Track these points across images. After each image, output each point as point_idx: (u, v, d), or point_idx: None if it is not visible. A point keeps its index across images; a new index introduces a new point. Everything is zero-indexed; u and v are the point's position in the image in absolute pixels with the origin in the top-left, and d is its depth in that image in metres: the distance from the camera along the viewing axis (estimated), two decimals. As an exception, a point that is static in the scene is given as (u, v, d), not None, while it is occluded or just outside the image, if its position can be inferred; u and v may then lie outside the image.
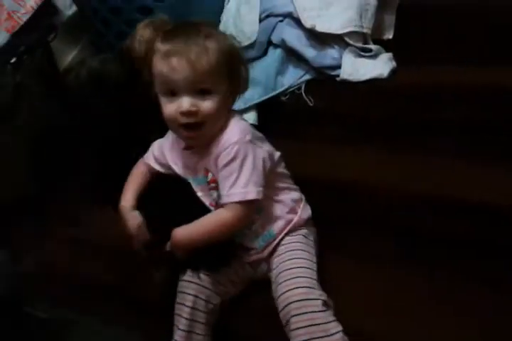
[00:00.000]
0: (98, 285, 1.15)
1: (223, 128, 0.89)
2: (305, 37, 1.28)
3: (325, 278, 0.94)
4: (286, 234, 0.96)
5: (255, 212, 0.92)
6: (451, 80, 1.18)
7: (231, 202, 0.87)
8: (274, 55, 1.32)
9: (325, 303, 0.84)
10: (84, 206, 1.34)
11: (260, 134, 0.95)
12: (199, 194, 0.96)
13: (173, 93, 0.85)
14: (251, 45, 1.33)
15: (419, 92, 1.19)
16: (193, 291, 0.93)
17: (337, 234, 1.08)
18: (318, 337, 0.81)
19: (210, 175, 0.92)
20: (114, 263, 1.16)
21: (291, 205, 0.97)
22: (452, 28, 1.31)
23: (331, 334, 0.81)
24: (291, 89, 1.30)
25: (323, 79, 1.29)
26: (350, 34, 1.26)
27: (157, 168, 1.02)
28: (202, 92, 0.85)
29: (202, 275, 0.95)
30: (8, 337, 1.12)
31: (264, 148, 0.92)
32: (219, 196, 0.91)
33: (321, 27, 1.25)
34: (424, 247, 1.01)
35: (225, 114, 0.89)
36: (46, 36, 1.32)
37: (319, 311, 0.82)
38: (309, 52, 1.27)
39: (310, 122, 1.29)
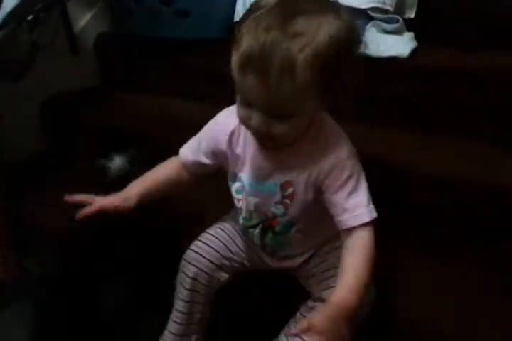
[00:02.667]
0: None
1: (317, 136, 0.76)
2: (326, 10, 1.26)
3: None
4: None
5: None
6: (472, 63, 1.16)
7: (362, 223, 0.74)
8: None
9: None
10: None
11: None
12: (242, 196, 0.84)
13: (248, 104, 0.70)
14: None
15: (439, 74, 1.17)
16: (197, 263, 0.89)
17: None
18: None
19: (290, 190, 0.79)
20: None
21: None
22: (477, 8, 1.29)
23: None
24: (309, 63, 1.28)
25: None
26: (372, 10, 1.24)
27: (204, 160, 0.86)
28: (279, 116, 0.69)
29: (209, 249, 0.90)
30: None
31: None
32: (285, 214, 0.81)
33: (344, 0, 1.22)
34: (443, 229, 1.00)
35: (312, 123, 0.75)
36: (64, -5, 1.30)
37: None
38: (330, 25, 1.25)
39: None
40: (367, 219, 0.74)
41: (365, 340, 0.84)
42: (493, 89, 1.12)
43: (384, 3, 1.24)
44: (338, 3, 0.74)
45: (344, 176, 0.75)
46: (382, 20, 1.24)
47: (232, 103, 0.77)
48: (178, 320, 0.91)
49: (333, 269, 0.82)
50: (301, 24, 0.64)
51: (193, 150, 0.87)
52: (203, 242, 0.92)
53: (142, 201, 0.85)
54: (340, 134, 0.79)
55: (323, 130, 0.77)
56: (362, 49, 1.19)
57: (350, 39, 0.68)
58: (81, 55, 1.48)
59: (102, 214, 0.84)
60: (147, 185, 0.87)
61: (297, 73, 0.64)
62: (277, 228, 0.84)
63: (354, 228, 0.75)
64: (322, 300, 0.79)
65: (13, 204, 1.25)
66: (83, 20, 1.59)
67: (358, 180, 0.75)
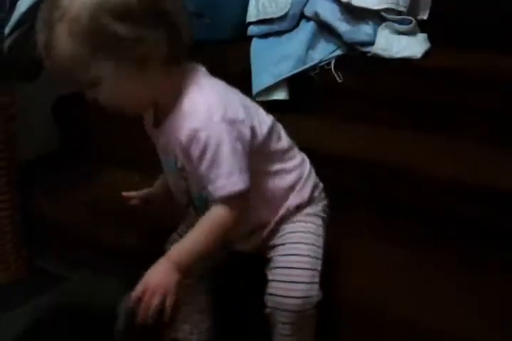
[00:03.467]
0: (115, 247, 1.17)
1: (182, 96, 0.73)
2: (339, 11, 1.25)
3: (348, 259, 0.95)
4: (282, 222, 0.85)
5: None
6: (486, 65, 1.16)
7: (219, 196, 0.74)
8: (306, 28, 1.30)
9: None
10: (108, 168, 1.36)
11: (245, 98, 0.79)
12: (170, 181, 0.85)
13: None
14: (283, 17, 1.32)
15: (452, 75, 1.17)
16: None
17: (360, 213, 1.07)
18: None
19: (179, 162, 0.78)
20: (132, 227, 1.17)
21: (283, 195, 0.84)
22: (491, 10, 1.28)
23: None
24: (321, 64, 1.28)
25: (354, 56, 1.27)
26: (385, 11, 1.23)
27: None
28: (87, 85, 0.71)
29: None
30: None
31: (246, 122, 0.74)
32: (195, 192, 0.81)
33: (357, 1, 1.22)
34: (452, 231, 1.00)
35: (146, 87, 0.72)
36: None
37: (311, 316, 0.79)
38: (342, 26, 1.24)
39: (337, 99, 1.27)
40: (224, 193, 0.73)
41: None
42: (508, 91, 1.11)
43: (397, 4, 1.24)
44: None
45: (198, 149, 0.71)
46: (395, 21, 1.23)
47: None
48: None
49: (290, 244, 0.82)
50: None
51: None
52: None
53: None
54: (201, 96, 0.73)
55: (183, 98, 0.73)
56: (373, 49, 1.21)
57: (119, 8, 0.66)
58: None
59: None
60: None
61: (57, 46, 0.67)
62: (196, 205, 0.83)
63: (214, 202, 0.75)
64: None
65: (25, 203, 1.26)
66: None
67: (216, 151, 0.71)
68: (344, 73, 1.25)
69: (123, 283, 1.15)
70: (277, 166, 0.83)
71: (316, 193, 0.88)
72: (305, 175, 0.86)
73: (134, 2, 0.66)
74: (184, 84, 0.74)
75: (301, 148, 1.02)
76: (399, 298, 0.90)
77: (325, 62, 1.28)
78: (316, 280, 0.80)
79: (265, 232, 0.86)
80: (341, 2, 1.24)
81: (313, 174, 0.89)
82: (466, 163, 1.04)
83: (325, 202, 0.90)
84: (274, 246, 0.85)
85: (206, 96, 0.73)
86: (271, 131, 0.81)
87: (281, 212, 0.85)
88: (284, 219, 0.85)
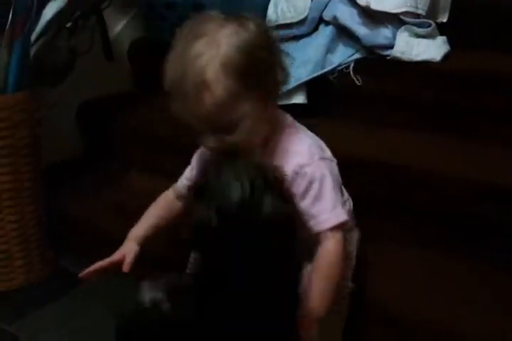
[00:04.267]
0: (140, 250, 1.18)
1: (278, 137, 0.78)
2: (358, 15, 1.26)
3: (363, 262, 0.94)
4: None
5: None
6: (504, 68, 1.15)
7: (326, 228, 0.76)
8: (325, 32, 1.30)
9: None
10: (133, 172, 1.38)
11: (320, 141, 0.82)
12: None
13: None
14: (302, 21, 1.32)
15: (472, 78, 1.16)
16: None
17: (377, 217, 1.06)
18: None
19: None
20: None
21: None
22: (510, 12, 1.27)
23: None
24: (339, 68, 1.28)
25: (373, 59, 1.27)
26: (404, 14, 1.23)
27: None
28: (223, 129, 0.72)
29: None
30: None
31: (335, 161, 0.81)
32: None
33: (376, 5, 1.23)
34: (467, 233, 1.00)
35: (266, 123, 0.76)
36: (100, 3, 1.34)
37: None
38: (361, 30, 1.25)
39: (356, 102, 1.27)
40: (329, 225, 0.75)
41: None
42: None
43: (416, 7, 1.24)
44: (245, 15, 0.76)
45: (304, 183, 0.75)
46: (414, 24, 1.23)
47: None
48: None
49: None
50: (199, 46, 0.70)
51: (187, 178, 0.90)
52: None
53: (146, 241, 0.89)
54: (300, 137, 0.79)
55: (281, 135, 0.78)
56: (393, 52, 1.21)
57: (259, 41, 0.72)
58: (115, 61, 1.52)
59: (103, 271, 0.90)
60: (146, 226, 0.92)
61: (212, 85, 0.68)
62: None
63: (321, 233, 0.76)
64: None
65: (50, 206, 1.29)
66: (118, 27, 1.64)
67: (320, 186, 0.75)
68: (363, 76, 1.25)
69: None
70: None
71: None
72: (349, 204, 0.90)
73: (265, 36, 0.74)
74: (280, 123, 0.79)
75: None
76: (423, 301, 0.90)
77: (344, 66, 1.28)
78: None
79: None
80: (360, 6, 1.25)
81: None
82: (487, 166, 1.03)
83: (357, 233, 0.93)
84: None
85: (305, 137, 0.79)
86: None
87: None
88: None
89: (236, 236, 0.65)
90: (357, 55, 1.28)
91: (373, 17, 1.25)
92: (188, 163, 0.93)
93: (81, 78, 1.47)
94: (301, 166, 0.75)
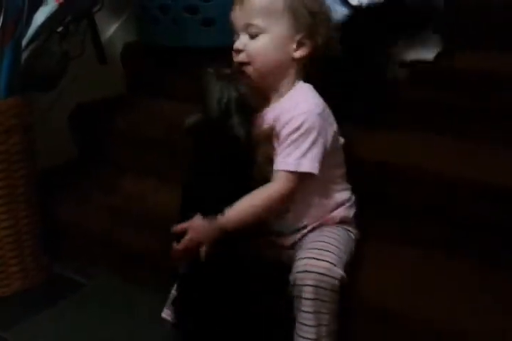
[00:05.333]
0: (135, 253, 1.18)
1: (290, 93, 0.90)
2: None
3: (363, 261, 0.95)
4: (319, 226, 0.94)
5: (292, 198, 0.89)
6: (498, 66, 1.15)
7: (282, 170, 0.85)
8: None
9: (341, 283, 0.83)
10: (126, 176, 1.37)
11: (331, 114, 0.92)
12: None
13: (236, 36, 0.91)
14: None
15: (464, 77, 1.16)
16: None
17: (375, 216, 1.06)
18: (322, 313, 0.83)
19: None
20: (152, 233, 1.17)
21: (334, 204, 0.95)
22: (503, 11, 1.27)
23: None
24: (333, 68, 1.28)
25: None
26: (397, 14, 1.24)
27: None
28: (252, 34, 0.88)
29: None
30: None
31: (333, 128, 0.90)
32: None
33: (368, 4, 1.22)
34: (469, 234, 0.99)
35: (281, 63, 0.89)
36: (92, 7, 1.34)
37: (331, 290, 0.83)
38: (354, 30, 1.25)
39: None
40: (288, 168, 0.85)
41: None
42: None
43: (409, 6, 1.24)
44: None
45: (292, 127, 0.85)
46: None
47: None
48: None
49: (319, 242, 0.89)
50: None
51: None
52: None
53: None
54: (313, 94, 0.90)
55: (294, 90, 0.91)
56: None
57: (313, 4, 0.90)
58: (108, 64, 1.51)
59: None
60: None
61: None
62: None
63: (278, 172, 0.86)
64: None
65: (44, 211, 1.28)
66: (110, 30, 1.63)
67: (303, 136, 0.85)
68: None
69: (142, 289, 1.18)
70: (338, 179, 0.96)
71: (353, 220, 0.98)
72: (352, 200, 0.98)
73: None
74: (295, 81, 0.92)
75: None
76: (424, 300, 0.90)
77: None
78: (341, 262, 0.86)
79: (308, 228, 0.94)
80: (352, 6, 1.25)
81: (355, 206, 0.99)
82: (482, 165, 1.03)
83: (356, 231, 0.99)
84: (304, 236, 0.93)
85: (313, 96, 0.90)
86: (341, 146, 0.96)
87: (326, 217, 0.94)
88: (323, 224, 0.94)
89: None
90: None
91: (365, 17, 1.25)
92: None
93: (74, 82, 1.47)
94: (299, 114, 0.85)
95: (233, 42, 0.91)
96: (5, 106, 1.13)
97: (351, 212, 0.97)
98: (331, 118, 0.91)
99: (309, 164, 0.85)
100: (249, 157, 0.87)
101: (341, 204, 0.96)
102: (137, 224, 1.20)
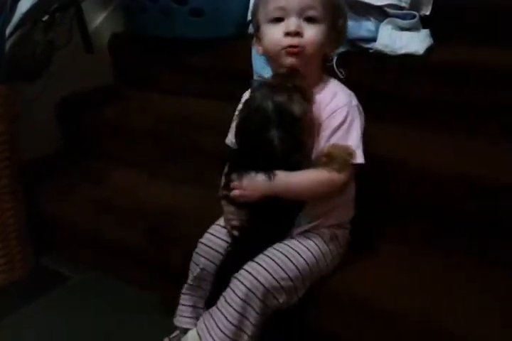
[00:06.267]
0: (121, 246, 1.17)
1: (322, 84, 0.93)
2: (341, 7, 1.25)
3: (360, 260, 0.96)
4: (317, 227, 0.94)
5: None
6: (489, 61, 1.15)
7: None
8: (308, 25, 1.30)
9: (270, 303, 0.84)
10: (112, 167, 1.36)
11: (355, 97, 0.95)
12: None
13: (279, 19, 0.89)
14: (284, 14, 1.32)
15: (455, 71, 1.16)
16: (206, 254, 0.95)
17: (371, 212, 1.06)
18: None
19: None
20: (139, 227, 1.17)
21: (345, 202, 0.95)
22: (493, 6, 1.27)
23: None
24: (323, 61, 1.28)
25: (356, 52, 1.26)
26: (388, 7, 1.22)
27: None
28: (309, 19, 0.89)
29: (218, 241, 0.94)
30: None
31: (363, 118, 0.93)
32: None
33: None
34: (467, 232, 0.99)
35: (321, 58, 0.93)
36: (78, -5, 1.31)
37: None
38: (344, 22, 1.24)
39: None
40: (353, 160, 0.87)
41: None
42: (509, 87, 1.10)
43: (399, 0, 1.23)
44: None
45: (339, 121, 0.89)
46: (397, 16, 1.22)
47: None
48: (188, 292, 0.99)
49: None
50: None
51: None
52: (213, 234, 0.97)
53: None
54: (344, 87, 0.95)
55: (329, 82, 0.95)
56: (376, 45, 1.20)
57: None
58: (95, 54, 1.49)
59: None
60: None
61: None
62: None
63: None
64: None
65: (29, 203, 1.27)
66: (98, 20, 1.61)
67: (350, 128, 0.89)
68: (346, 70, 1.24)
69: (128, 282, 1.17)
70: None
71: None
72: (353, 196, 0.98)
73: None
74: (326, 75, 0.97)
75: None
76: (420, 299, 0.90)
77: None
78: (291, 285, 0.86)
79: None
80: (343, -2, 1.24)
81: None
82: (474, 160, 1.03)
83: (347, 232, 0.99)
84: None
85: (346, 89, 0.95)
86: None
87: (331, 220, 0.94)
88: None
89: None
90: (340, 48, 1.27)
91: (356, 10, 1.24)
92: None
93: (60, 72, 1.44)
94: (339, 106, 0.89)
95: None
96: (-11, 96, 1.11)
97: (352, 213, 0.98)
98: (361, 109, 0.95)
99: (361, 155, 0.89)
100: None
101: (350, 202, 0.97)
102: (123, 216, 1.19)
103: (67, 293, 1.19)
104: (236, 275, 0.86)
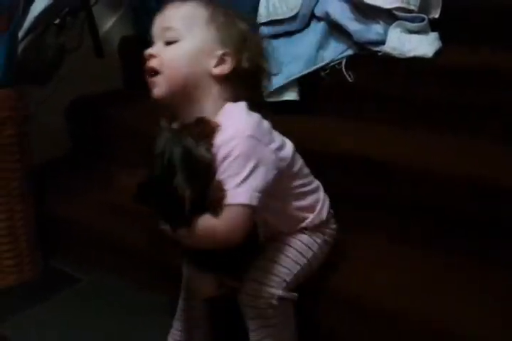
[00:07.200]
0: (131, 248, 1.17)
1: (217, 116, 0.79)
2: (349, 10, 1.25)
3: (361, 260, 0.95)
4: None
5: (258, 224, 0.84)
6: (496, 63, 1.14)
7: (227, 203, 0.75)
8: (317, 28, 1.29)
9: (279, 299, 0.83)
10: (120, 170, 1.37)
11: (271, 129, 0.82)
12: None
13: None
14: (293, 17, 1.31)
15: (463, 74, 1.16)
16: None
17: (366, 212, 1.07)
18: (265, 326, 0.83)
19: None
20: (150, 229, 1.16)
21: (302, 214, 0.90)
22: (501, 9, 1.27)
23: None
24: (331, 64, 1.28)
25: (365, 55, 1.26)
26: (396, 10, 1.22)
27: None
28: (168, 43, 0.80)
29: None
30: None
31: (272, 147, 0.79)
32: None
33: (369, 0, 1.22)
34: (462, 230, 0.99)
35: (195, 77, 0.80)
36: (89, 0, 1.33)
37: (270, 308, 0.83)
38: (353, 25, 1.24)
39: (348, 99, 1.27)
40: (229, 200, 0.74)
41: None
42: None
43: (408, 3, 1.23)
44: None
45: (224, 153, 0.75)
46: (406, 19, 1.22)
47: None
48: (181, 317, 0.98)
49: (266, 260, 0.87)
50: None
51: None
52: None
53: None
54: (243, 114, 0.80)
55: (222, 112, 0.80)
56: (384, 48, 1.20)
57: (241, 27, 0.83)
58: (105, 58, 1.50)
59: None
60: None
61: (185, 7, 0.81)
62: None
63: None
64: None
65: (39, 205, 1.28)
66: (108, 24, 1.63)
67: (235, 162, 0.75)
68: (355, 73, 1.25)
69: (137, 284, 1.17)
70: (300, 189, 0.88)
71: (329, 216, 0.94)
72: (321, 199, 0.92)
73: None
74: (223, 102, 0.82)
75: (312, 149, 1.01)
76: (420, 299, 0.89)
77: (336, 62, 1.28)
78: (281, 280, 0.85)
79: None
80: (352, 1, 1.24)
81: (328, 200, 0.94)
82: (480, 162, 1.02)
83: (334, 226, 0.96)
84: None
85: (246, 116, 0.80)
86: (293, 154, 0.85)
87: (298, 227, 0.90)
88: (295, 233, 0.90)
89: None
90: (349, 52, 1.28)
91: (365, 13, 1.24)
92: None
93: (71, 75, 1.45)
94: (227, 139, 0.75)
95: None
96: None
97: (324, 214, 0.92)
98: (270, 136, 0.81)
99: (247, 194, 0.74)
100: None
101: (312, 209, 0.91)
102: (133, 218, 1.19)
103: (75, 294, 1.20)
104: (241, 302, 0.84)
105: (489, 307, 0.86)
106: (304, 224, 0.90)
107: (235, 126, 0.77)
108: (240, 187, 0.74)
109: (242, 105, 0.81)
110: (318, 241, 0.92)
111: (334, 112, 1.26)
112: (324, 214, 0.92)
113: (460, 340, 0.83)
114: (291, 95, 1.28)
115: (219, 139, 0.76)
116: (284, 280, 0.85)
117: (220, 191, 0.74)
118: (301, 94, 1.28)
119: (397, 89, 1.22)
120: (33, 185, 1.25)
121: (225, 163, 0.75)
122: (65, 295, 1.19)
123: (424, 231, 1.02)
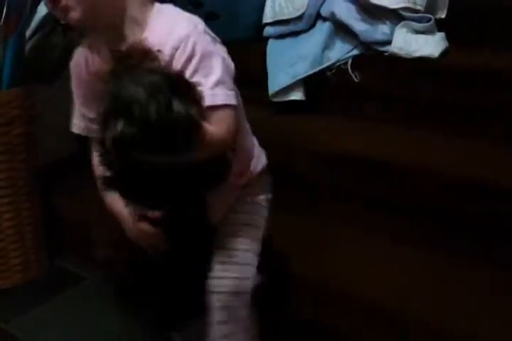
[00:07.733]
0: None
1: (153, 22, 0.72)
2: (355, 11, 1.25)
3: (361, 256, 0.95)
4: (239, 198, 0.84)
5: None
6: (502, 64, 1.14)
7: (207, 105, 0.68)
8: (323, 28, 1.30)
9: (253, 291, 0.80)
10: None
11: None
12: None
13: None
14: (299, 18, 1.32)
15: (469, 75, 1.16)
16: None
17: (369, 212, 1.07)
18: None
19: None
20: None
21: (254, 152, 0.85)
22: (507, 10, 1.26)
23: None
24: (337, 64, 1.28)
25: (371, 55, 1.26)
26: (403, 10, 1.22)
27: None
28: None
29: None
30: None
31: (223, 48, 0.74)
32: None
33: (375, 0, 1.22)
34: (464, 231, 0.99)
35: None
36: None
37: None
38: (359, 25, 1.24)
39: (353, 99, 1.27)
40: (209, 102, 0.68)
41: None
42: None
43: (414, 3, 1.23)
44: None
45: (184, 57, 0.69)
46: (413, 19, 1.22)
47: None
48: None
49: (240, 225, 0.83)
50: None
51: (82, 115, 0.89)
52: None
53: None
54: (179, 12, 0.75)
55: (157, 15, 0.74)
56: (391, 48, 1.20)
57: None
58: (111, 57, 1.50)
59: None
60: None
61: None
62: None
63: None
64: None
65: (45, 204, 1.28)
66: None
67: (202, 61, 0.70)
68: (361, 73, 1.25)
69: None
70: (246, 126, 0.84)
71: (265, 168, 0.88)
72: (257, 145, 0.87)
73: None
74: (153, 6, 0.74)
75: (317, 148, 1.01)
76: (420, 299, 0.90)
77: (341, 62, 1.28)
78: (250, 267, 0.81)
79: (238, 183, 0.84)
80: (358, 1, 1.24)
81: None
82: (471, 160, 1.03)
83: (269, 179, 0.89)
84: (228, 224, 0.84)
85: (182, 14, 0.74)
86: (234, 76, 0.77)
87: (250, 171, 0.84)
88: (248, 186, 0.84)
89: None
90: (355, 52, 1.28)
91: (371, 13, 1.24)
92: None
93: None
94: (183, 37, 0.70)
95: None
96: (7, 98, 1.13)
97: (264, 158, 0.87)
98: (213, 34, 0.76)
99: (224, 93, 0.70)
100: None
101: (256, 149, 0.86)
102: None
103: (81, 292, 1.20)
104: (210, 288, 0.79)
105: (491, 308, 0.86)
106: (252, 167, 0.84)
107: (183, 24, 0.72)
108: (217, 88, 0.70)
109: (170, 5, 0.75)
110: (264, 210, 0.87)
111: (340, 112, 1.26)
112: (264, 161, 0.87)
113: (460, 340, 0.83)
114: (297, 95, 1.28)
115: (171, 39, 0.69)
116: (252, 262, 0.81)
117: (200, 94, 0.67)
118: (307, 94, 1.29)
119: (403, 89, 1.22)
120: (39, 185, 1.26)
121: (193, 63, 0.69)
122: (70, 294, 1.20)
123: (427, 232, 1.02)
